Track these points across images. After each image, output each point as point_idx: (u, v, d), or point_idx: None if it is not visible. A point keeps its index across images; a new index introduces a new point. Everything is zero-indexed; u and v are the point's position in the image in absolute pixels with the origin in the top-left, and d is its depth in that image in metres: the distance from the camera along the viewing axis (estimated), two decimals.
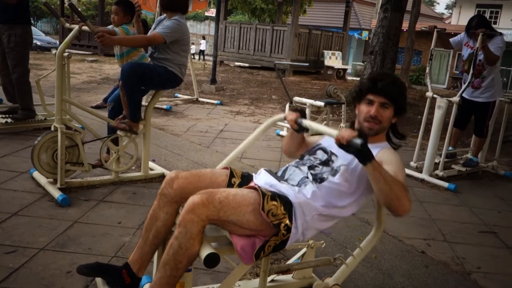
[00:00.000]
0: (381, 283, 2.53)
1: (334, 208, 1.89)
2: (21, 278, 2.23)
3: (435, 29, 4.65)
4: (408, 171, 4.75)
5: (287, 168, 2.02)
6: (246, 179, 2.00)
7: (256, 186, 1.86)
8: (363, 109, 1.99)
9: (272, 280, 2.28)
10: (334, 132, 1.71)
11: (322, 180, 1.88)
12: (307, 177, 1.90)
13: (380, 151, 1.93)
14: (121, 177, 3.70)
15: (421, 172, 4.66)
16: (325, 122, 6.12)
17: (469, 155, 5.15)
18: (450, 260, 2.91)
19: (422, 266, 2.79)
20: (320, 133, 1.88)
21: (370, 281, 2.54)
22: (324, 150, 2.01)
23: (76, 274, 1.97)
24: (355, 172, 1.89)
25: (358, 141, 1.61)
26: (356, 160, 1.81)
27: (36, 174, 3.55)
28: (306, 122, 1.95)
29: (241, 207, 1.71)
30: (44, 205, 3.15)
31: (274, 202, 1.75)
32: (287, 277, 2.34)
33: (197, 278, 2.33)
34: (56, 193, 3.23)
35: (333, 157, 1.96)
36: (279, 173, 2.01)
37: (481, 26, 4.48)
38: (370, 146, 1.80)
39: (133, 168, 3.99)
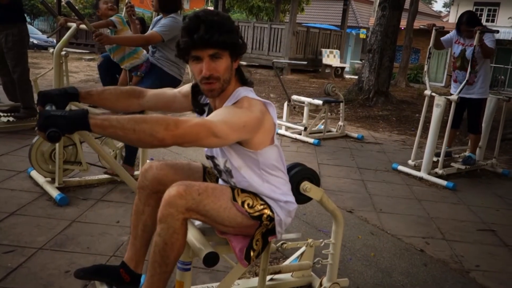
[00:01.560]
0: (380, 281, 2.53)
1: (269, 177, 1.77)
2: (19, 277, 2.22)
3: (434, 28, 4.65)
4: (406, 169, 4.76)
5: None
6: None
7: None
8: (194, 69, 1.66)
9: (271, 279, 2.28)
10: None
11: (230, 171, 1.77)
12: (230, 177, 1.80)
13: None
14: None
15: (419, 170, 4.66)
16: (323, 120, 6.13)
17: (466, 153, 5.15)
18: (448, 258, 2.92)
19: (421, 264, 2.79)
20: None
21: (369, 279, 2.54)
22: (209, 158, 1.87)
23: None
24: (234, 150, 1.72)
25: (50, 141, 1.37)
26: (228, 148, 1.69)
27: (34, 173, 3.54)
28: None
29: (220, 202, 1.66)
30: (42, 204, 3.14)
31: (246, 194, 1.73)
32: (286, 276, 2.34)
33: (196, 277, 2.32)
34: (54, 192, 3.22)
35: (216, 161, 1.82)
36: None
37: (472, 23, 4.55)
38: (226, 103, 1.67)
39: None
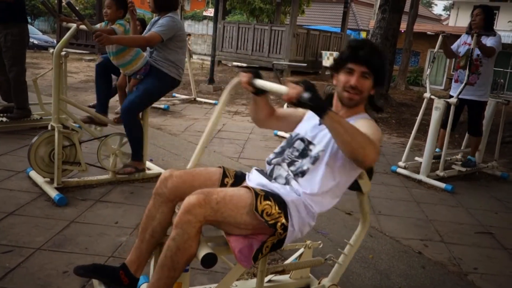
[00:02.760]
0: (378, 283, 2.53)
1: (324, 195, 1.85)
2: (17, 278, 2.22)
3: (441, 34, 4.69)
4: (405, 172, 4.76)
5: (274, 167, 1.97)
6: (239, 179, 1.99)
7: (249, 186, 1.84)
8: (342, 79, 1.90)
9: (270, 280, 2.28)
10: (284, 90, 1.64)
11: (303, 173, 1.84)
12: (289, 174, 1.88)
13: (356, 120, 1.87)
14: (119, 177, 3.68)
15: (412, 172, 4.68)
16: None
17: (459, 156, 5.18)
18: (447, 261, 2.92)
19: (419, 266, 2.79)
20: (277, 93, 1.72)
21: (368, 281, 2.54)
22: (302, 140, 1.95)
23: (73, 274, 1.96)
24: (336, 155, 1.84)
25: (306, 95, 1.57)
26: (333, 142, 1.80)
27: (33, 174, 3.54)
28: (259, 82, 1.86)
29: (238, 208, 1.69)
30: (40, 204, 3.14)
31: (268, 202, 1.73)
32: (285, 277, 2.34)
33: (194, 278, 2.32)
34: (53, 193, 3.22)
35: (311, 146, 1.90)
36: (268, 173, 1.98)
37: (484, 22, 4.57)
38: (350, 118, 1.88)
39: None
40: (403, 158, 4.89)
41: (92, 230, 2.82)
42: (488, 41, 4.59)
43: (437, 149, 4.92)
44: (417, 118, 4.93)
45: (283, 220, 1.74)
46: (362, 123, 1.83)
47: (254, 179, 1.94)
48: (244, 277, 2.36)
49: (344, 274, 2.51)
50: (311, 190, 1.82)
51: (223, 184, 1.95)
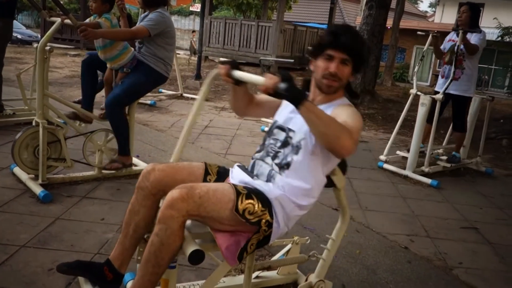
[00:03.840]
0: (365, 278, 2.55)
1: (310, 188, 1.82)
2: (1, 275, 2.19)
3: (431, 34, 4.76)
4: (392, 167, 4.80)
5: (254, 162, 1.94)
6: (222, 175, 1.96)
7: (231, 184, 1.81)
8: (321, 65, 1.84)
9: (257, 277, 2.28)
10: (261, 80, 1.63)
11: (288, 165, 1.81)
12: (273, 169, 1.84)
13: (335, 107, 1.85)
14: (104, 173, 3.65)
15: (400, 167, 4.72)
16: None
17: (440, 151, 5.24)
18: (432, 256, 2.95)
19: (405, 261, 2.81)
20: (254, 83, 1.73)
21: (354, 276, 2.56)
22: (281, 128, 1.92)
23: None
24: (317, 142, 1.80)
25: (282, 85, 1.56)
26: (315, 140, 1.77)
27: (17, 170, 3.49)
28: (237, 74, 1.84)
29: (221, 203, 1.67)
30: (25, 201, 3.09)
31: (250, 201, 1.71)
32: (272, 273, 2.34)
33: (182, 275, 2.31)
34: (38, 189, 3.18)
35: (291, 133, 1.86)
36: (249, 169, 1.95)
37: (470, 20, 4.63)
38: (328, 104, 1.85)
39: None
40: (385, 151, 4.97)
41: (78, 227, 2.79)
42: (473, 38, 4.64)
43: (421, 145, 4.96)
44: (402, 113, 4.97)
45: (268, 217, 1.73)
46: (342, 110, 1.81)
47: (237, 176, 1.92)
48: (232, 274, 2.36)
49: (331, 270, 2.52)
50: (298, 183, 1.80)
51: (205, 181, 1.92)
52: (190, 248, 1.61)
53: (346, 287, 2.45)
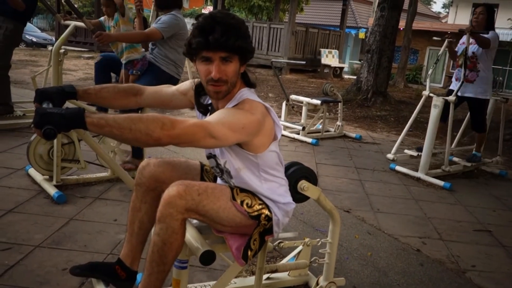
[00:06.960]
0: (376, 280, 2.54)
1: (268, 185, 1.78)
2: (16, 275, 2.22)
3: (446, 38, 4.74)
4: (404, 169, 4.77)
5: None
6: (216, 177, 1.98)
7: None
8: (201, 69, 1.62)
9: (268, 278, 2.29)
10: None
11: (237, 186, 1.77)
12: (230, 177, 1.79)
13: (232, 105, 1.67)
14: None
15: (412, 169, 4.69)
16: (321, 120, 6.14)
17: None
18: (445, 258, 2.93)
19: (417, 264, 2.80)
20: None
21: (366, 278, 2.55)
22: (209, 156, 1.86)
23: None
24: (237, 155, 1.72)
25: (47, 130, 1.35)
26: (228, 149, 1.69)
27: (32, 171, 3.54)
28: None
29: (220, 202, 1.66)
30: (39, 202, 3.14)
31: (245, 194, 1.74)
32: (283, 275, 2.35)
33: (193, 276, 2.33)
34: (52, 190, 3.22)
35: (217, 159, 1.80)
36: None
37: (486, 21, 4.61)
38: (228, 104, 1.67)
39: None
40: (393, 150, 4.98)
41: (91, 228, 2.82)
42: (487, 35, 4.60)
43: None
44: (413, 114, 4.96)
45: (267, 212, 1.75)
46: (227, 111, 1.61)
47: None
48: (243, 275, 2.37)
49: (342, 272, 2.53)
50: (255, 191, 1.78)
51: (202, 179, 1.95)
52: (201, 249, 1.63)
53: None
